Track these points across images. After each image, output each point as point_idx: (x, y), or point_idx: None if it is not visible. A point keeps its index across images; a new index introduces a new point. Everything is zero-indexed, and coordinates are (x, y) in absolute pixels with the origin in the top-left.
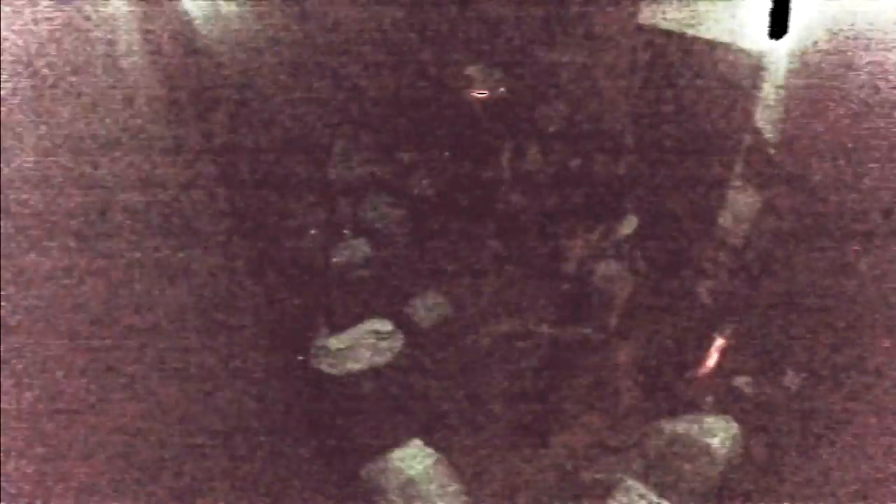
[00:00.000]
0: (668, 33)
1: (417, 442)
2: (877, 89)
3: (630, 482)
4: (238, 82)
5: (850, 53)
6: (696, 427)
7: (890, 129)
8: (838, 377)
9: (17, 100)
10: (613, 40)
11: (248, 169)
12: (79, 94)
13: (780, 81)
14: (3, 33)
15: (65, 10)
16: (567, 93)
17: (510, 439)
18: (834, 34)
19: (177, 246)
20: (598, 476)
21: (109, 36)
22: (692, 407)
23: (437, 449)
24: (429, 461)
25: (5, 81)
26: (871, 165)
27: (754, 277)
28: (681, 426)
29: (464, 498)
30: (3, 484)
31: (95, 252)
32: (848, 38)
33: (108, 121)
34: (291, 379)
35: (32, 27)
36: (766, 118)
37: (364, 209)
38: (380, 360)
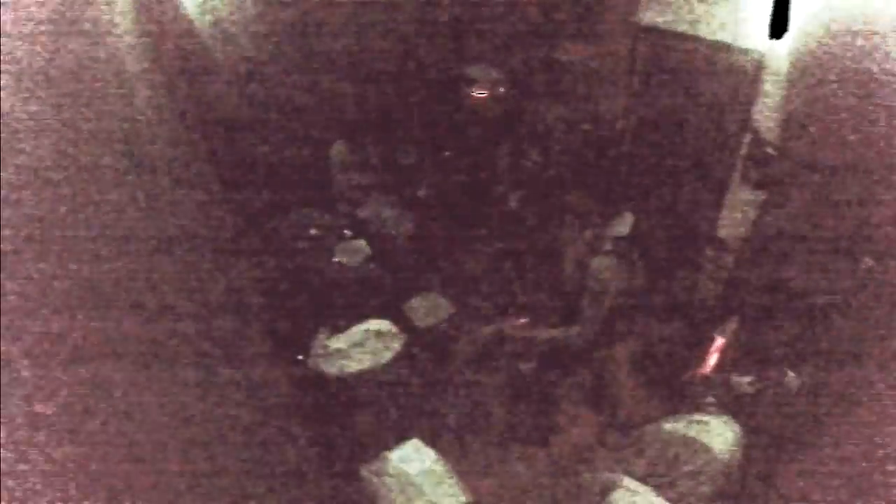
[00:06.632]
0: (668, 33)
1: (417, 442)
2: (877, 88)
3: (630, 482)
4: (237, 83)
5: (850, 52)
6: (696, 427)
7: (890, 127)
8: (838, 377)
9: (17, 99)
10: (613, 40)
11: (248, 169)
12: (79, 94)
13: (781, 81)
14: (3, 32)
15: (65, 9)
16: (567, 93)
17: (510, 439)
18: (834, 33)
19: (176, 246)
20: (598, 476)
21: (110, 35)
22: (692, 407)
23: (437, 449)
24: (429, 461)
25: (5, 81)
26: (872, 164)
27: (755, 277)
28: (681, 426)
29: (464, 498)
30: (2, 483)
31: (94, 251)
32: (848, 36)
33: (107, 121)
34: (291, 379)
35: (33, 26)
36: (766, 118)
37: (364, 209)
38: (380, 360)
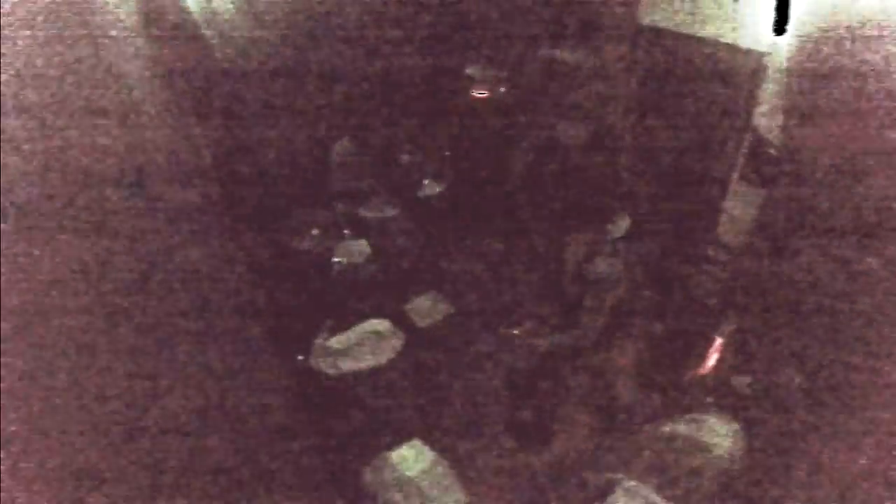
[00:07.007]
0: (668, 33)
1: (417, 442)
2: (877, 87)
3: (630, 482)
4: (238, 83)
5: (850, 51)
6: (696, 427)
7: (891, 126)
8: (838, 377)
9: (16, 99)
10: (613, 40)
11: (248, 169)
12: (79, 95)
13: (781, 80)
14: (4, 32)
15: (65, 9)
16: (567, 93)
17: (510, 439)
18: (834, 32)
19: (177, 246)
20: (598, 476)
21: (111, 35)
22: (692, 407)
23: (437, 449)
24: (429, 461)
25: (5, 80)
26: (872, 164)
27: (754, 277)
28: (681, 426)
29: (464, 498)
30: (3, 482)
31: (95, 252)
32: (848, 35)
33: (108, 122)
34: (291, 379)
35: (32, 26)
36: (766, 118)
37: (364, 209)
38: (380, 360)
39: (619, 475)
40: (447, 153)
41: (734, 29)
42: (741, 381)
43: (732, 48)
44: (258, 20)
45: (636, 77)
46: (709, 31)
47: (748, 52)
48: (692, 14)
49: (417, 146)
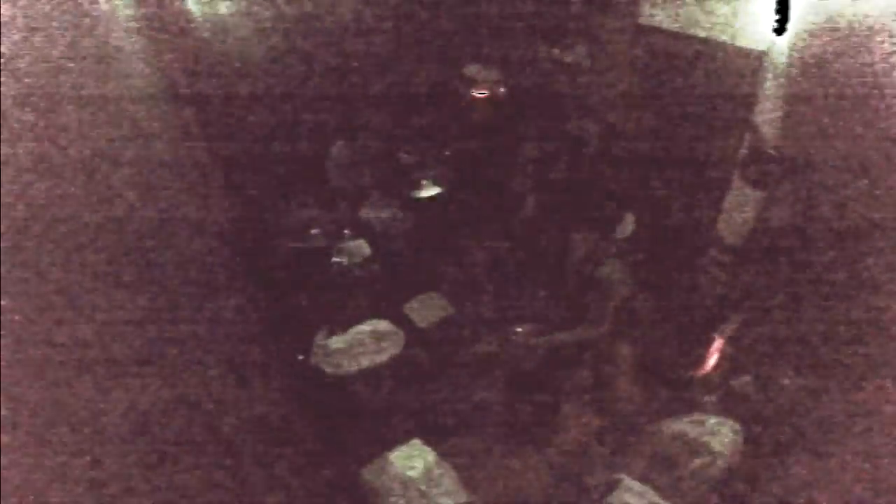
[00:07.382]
0: (668, 33)
1: (417, 442)
2: (877, 86)
3: (630, 482)
4: (238, 83)
5: (850, 51)
6: (696, 427)
7: (890, 125)
8: (838, 377)
9: (17, 97)
10: (613, 40)
11: (249, 169)
12: (80, 93)
13: (781, 80)
14: (3, 31)
15: (66, 8)
16: (566, 93)
17: (510, 439)
18: (834, 32)
19: (176, 247)
20: (598, 476)
21: (111, 34)
22: (692, 407)
23: (437, 449)
24: (429, 461)
25: (5, 79)
26: (872, 164)
27: (754, 277)
28: (681, 426)
29: (464, 498)
30: (2, 483)
31: (95, 253)
32: (848, 35)
33: (108, 123)
34: (291, 379)
35: (33, 24)
36: (766, 118)
37: (364, 209)
38: (380, 360)
39: (620, 475)
40: (447, 153)
41: (734, 29)
42: (741, 381)
43: (732, 48)
44: (257, 18)
45: (636, 77)
46: (708, 30)
47: (748, 51)
48: (692, 14)
49: (417, 146)
